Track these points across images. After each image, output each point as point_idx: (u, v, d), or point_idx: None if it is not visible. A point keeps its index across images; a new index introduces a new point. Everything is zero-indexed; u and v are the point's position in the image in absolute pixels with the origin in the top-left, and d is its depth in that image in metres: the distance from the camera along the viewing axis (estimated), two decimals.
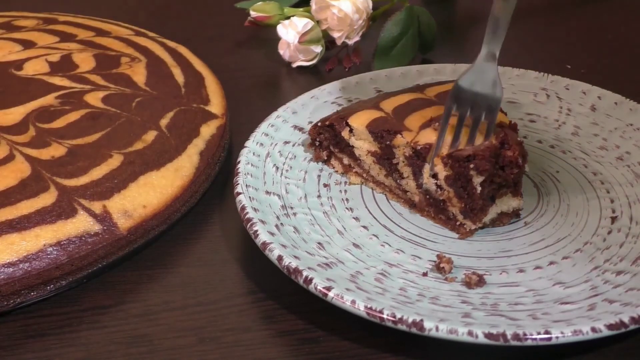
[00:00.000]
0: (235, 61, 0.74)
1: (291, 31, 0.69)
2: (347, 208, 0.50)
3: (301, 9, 0.73)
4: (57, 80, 0.59)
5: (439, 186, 0.47)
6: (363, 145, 0.51)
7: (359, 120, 0.51)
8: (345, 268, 0.43)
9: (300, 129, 0.56)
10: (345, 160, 0.53)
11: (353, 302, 0.39)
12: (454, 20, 0.85)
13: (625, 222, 0.47)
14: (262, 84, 0.70)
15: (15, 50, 0.65)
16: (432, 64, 0.64)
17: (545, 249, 0.46)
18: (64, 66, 0.62)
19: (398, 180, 0.50)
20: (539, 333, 0.37)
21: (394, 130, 0.49)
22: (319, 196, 0.51)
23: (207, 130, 0.55)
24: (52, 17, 0.72)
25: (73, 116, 0.54)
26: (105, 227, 0.45)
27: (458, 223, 0.47)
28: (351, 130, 0.51)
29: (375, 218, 0.49)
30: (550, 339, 0.37)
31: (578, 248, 0.46)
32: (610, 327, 0.37)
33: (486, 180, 0.45)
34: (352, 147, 0.52)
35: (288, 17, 0.70)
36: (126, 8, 0.87)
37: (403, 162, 0.49)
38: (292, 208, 0.48)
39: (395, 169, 0.49)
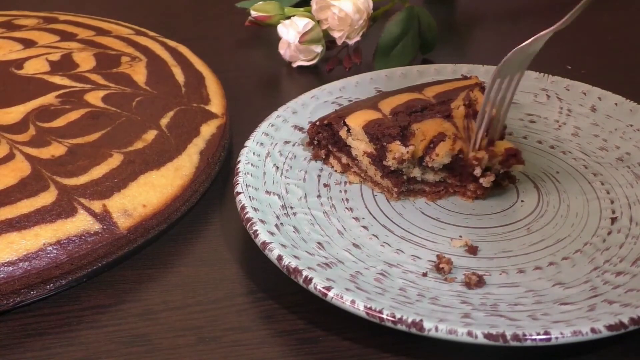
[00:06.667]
0: (236, 61, 0.74)
1: (292, 31, 0.69)
2: (347, 208, 0.50)
3: (302, 9, 0.73)
4: (58, 80, 0.59)
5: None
6: (360, 145, 0.51)
7: (357, 121, 0.51)
8: (345, 268, 0.43)
9: (301, 129, 0.56)
10: (344, 160, 0.53)
11: (353, 302, 0.39)
12: (454, 20, 0.85)
13: (625, 223, 0.47)
14: (262, 83, 0.70)
15: (15, 49, 0.65)
16: (432, 64, 0.64)
17: (545, 249, 0.46)
18: (65, 65, 0.62)
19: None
20: (538, 334, 0.37)
21: (390, 135, 0.48)
22: (319, 196, 0.50)
23: (207, 129, 0.55)
24: (52, 16, 0.73)
25: (73, 115, 0.54)
26: (105, 227, 0.45)
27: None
28: (349, 130, 0.51)
29: (375, 218, 0.49)
30: (549, 339, 0.37)
31: (578, 249, 0.46)
32: (609, 328, 0.37)
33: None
34: (350, 146, 0.52)
35: (288, 17, 0.70)
36: (127, 7, 0.87)
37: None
38: (292, 208, 0.48)
39: (388, 171, 0.49)
